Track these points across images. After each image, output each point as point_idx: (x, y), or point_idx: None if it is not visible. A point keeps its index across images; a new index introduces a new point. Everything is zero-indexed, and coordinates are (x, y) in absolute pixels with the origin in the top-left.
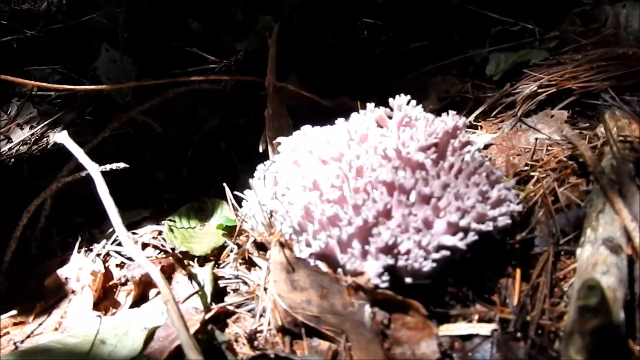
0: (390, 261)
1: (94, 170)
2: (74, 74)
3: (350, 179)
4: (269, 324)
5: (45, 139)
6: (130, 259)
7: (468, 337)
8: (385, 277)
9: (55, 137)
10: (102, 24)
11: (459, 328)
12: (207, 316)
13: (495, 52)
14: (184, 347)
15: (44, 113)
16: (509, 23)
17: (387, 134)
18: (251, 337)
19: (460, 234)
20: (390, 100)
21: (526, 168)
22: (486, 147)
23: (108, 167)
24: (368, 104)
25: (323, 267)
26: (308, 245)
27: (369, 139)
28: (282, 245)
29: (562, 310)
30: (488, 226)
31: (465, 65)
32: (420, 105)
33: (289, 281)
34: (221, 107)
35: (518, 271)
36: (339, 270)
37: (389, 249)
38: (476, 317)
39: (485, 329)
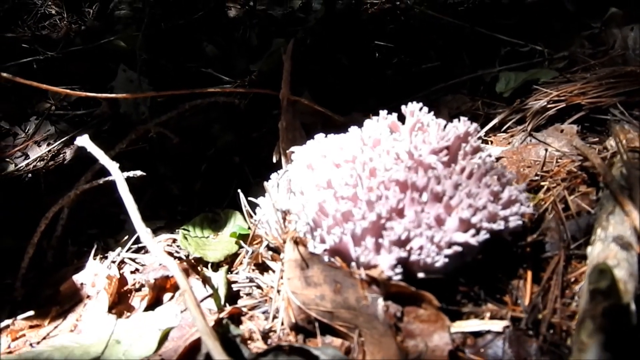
0: (404, 254)
1: (114, 169)
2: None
3: (363, 179)
4: (282, 323)
5: (61, 155)
6: (144, 265)
7: (480, 334)
8: (399, 270)
9: (77, 140)
10: (119, 46)
11: (471, 325)
12: (222, 315)
13: (505, 71)
14: (201, 334)
15: (61, 131)
16: (519, 45)
17: (400, 138)
18: (265, 335)
19: (472, 231)
20: (403, 107)
21: (536, 178)
22: (497, 159)
23: (126, 174)
24: (381, 112)
25: (337, 262)
26: (322, 241)
27: (382, 143)
28: (297, 242)
29: (573, 309)
30: (499, 225)
31: (476, 84)
32: (432, 112)
33: (303, 277)
34: (235, 123)
35: (529, 273)
36: (353, 264)
37: (402, 243)
38: (488, 314)
39: (498, 325)
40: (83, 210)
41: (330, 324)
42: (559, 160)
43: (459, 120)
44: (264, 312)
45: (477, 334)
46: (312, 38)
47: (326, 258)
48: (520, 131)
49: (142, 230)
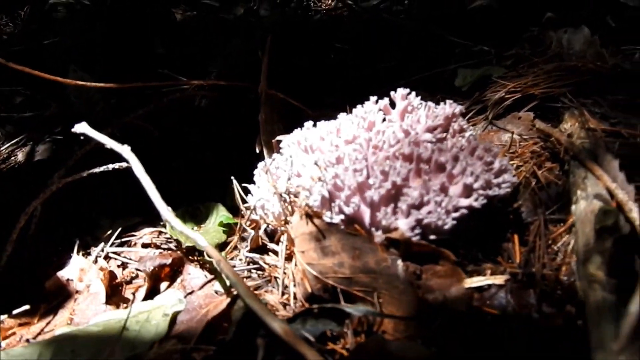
0: (420, 216)
1: (125, 151)
2: (40, 95)
3: (369, 155)
4: (294, 297)
5: (13, 158)
6: (130, 259)
7: (485, 288)
8: (418, 230)
9: (75, 127)
10: (67, 46)
11: (476, 281)
12: (235, 292)
13: (461, 68)
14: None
15: (9, 134)
16: (469, 45)
17: (393, 119)
18: (283, 305)
19: (475, 195)
20: (392, 93)
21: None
22: None
23: (111, 166)
24: (371, 97)
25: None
26: (341, 211)
27: (377, 124)
28: (310, 216)
29: (559, 263)
30: (495, 191)
31: (434, 81)
32: (420, 97)
33: (319, 248)
34: (203, 120)
35: (516, 236)
36: (372, 229)
37: (417, 208)
38: (489, 272)
39: (499, 279)
40: (54, 210)
41: (348, 290)
42: (521, 143)
43: (445, 102)
44: (268, 291)
45: (481, 289)
46: (272, 40)
47: (342, 228)
48: (482, 120)
49: (162, 207)
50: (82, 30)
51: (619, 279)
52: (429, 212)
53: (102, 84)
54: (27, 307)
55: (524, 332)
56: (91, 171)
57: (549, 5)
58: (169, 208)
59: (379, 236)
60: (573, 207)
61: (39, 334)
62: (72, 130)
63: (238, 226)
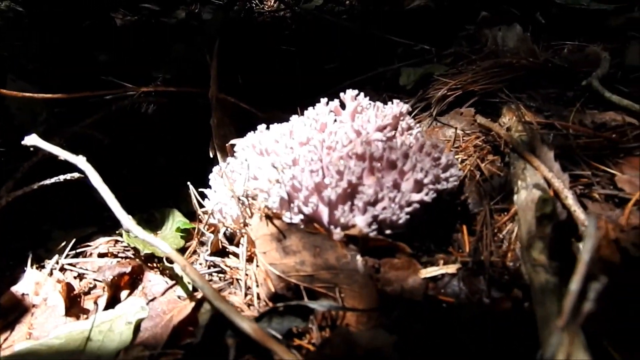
0: (376, 212)
1: (81, 162)
2: None
3: (324, 156)
4: (258, 297)
5: None
6: (87, 269)
7: (439, 278)
8: (374, 226)
9: (25, 140)
10: (2, 56)
11: (430, 271)
12: (199, 296)
13: (404, 67)
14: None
15: None
16: (410, 45)
17: (344, 120)
18: (248, 305)
19: (425, 190)
20: (342, 94)
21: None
22: None
23: (62, 177)
24: (321, 99)
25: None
26: (300, 211)
27: (329, 126)
28: (269, 217)
29: (505, 250)
30: (443, 185)
31: (378, 80)
32: (368, 97)
33: (280, 248)
34: (152, 126)
35: (464, 227)
36: (331, 227)
37: (372, 204)
38: (442, 262)
39: (451, 269)
40: (3, 223)
41: (311, 287)
42: (465, 138)
43: (392, 102)
44: (232, 293)
45: (436, 279)
46: (218, 43)
47: (302, 227)
48: (427, 117)
49: (123, 216)
50: (17, 38)
51: (560, 262)
52: (384, 208)
53: (46, 95)
54: None
55: (475, 317)
56: (42, 183)
57: (483, 4)
58: (130, 216)
59: (337, 233)
60: (515, 196)
61: None
62: (22, 142)
63: (196, 230)
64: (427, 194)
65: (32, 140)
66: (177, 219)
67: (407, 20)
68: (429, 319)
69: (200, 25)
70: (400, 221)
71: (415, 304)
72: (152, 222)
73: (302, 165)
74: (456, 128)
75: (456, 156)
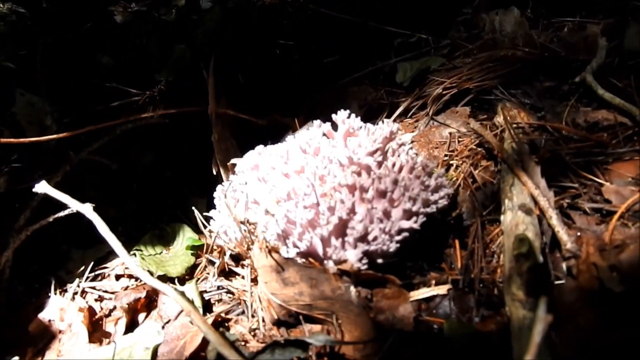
0: (366, 247)
1: (88, 211)
2: None
3: (316, 186)
4: (263, 320)
5: None
6: (106, 291)
7: (431, 299)
8: (365, 261)
9: (36, 187)
10: (7, 67)
11: (422, 293)
12: (209, 321)
13: (400, 62)
14: (219, 347)
15: None
16: (407, 35)
17: (335, 144)
18: (253, 333)
19: (414, 218)
20: (333, 115)
21: (445, 158)
22: (410, 143)
23: (76, 208)
24: (314, 121)
25: (309, 263)
26: (295, 246)
27: (322, 150)
28: (269, 250)
29: (494, 265)
30: (432, 209)
31: (376, 75)
32: (359, 118)
33: (280, 280)
34: (159, 142)
35: (456, 241)
36: (325, 262)
37: (363, 238)
38: (433, 282)
39: (442, 289)
40: (24, 247)
41: (310, 314)
42: (460, 139)
43: (383, 122)
44: (239, 314)
45: (428, 299)
46: (216, 42)
47: (299, 260)
48: (424, 116)
49: (130, 262)
50: (22, 45)
51: (537, 298)
52: (374, 239)
53: (51, 136)
54: (16, 358)
55: (464, 341)
56: (57, 215)
57: None
58: (138, 263)
59: (331, 268)
60: (502, 217)
61: None
62: (33, 190)
63: (205, 248)
64: (416, 222)
65: (41, 187)
66: (187, 235)
67: (405, 6)
68: (420, 346)
69: (199, 19)
70: (391, 250)
71: (406, 333)
72: (164, 238)
73: (296, 198)
74: (450, 134)
75: (451, 161)
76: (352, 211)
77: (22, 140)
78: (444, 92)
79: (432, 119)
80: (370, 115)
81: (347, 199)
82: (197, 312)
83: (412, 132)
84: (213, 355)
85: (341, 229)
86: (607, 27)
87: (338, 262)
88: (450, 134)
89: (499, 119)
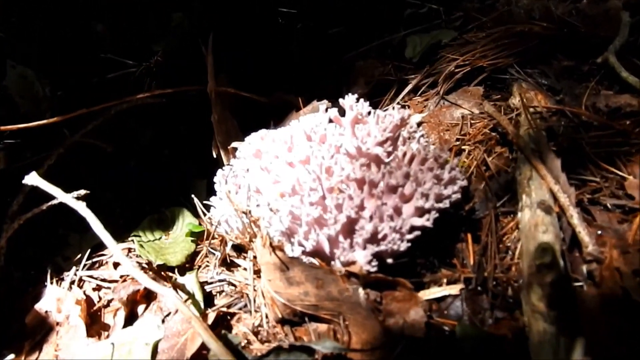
0: (376, 248)
1: (81, 208)
2: None
3: (323, 180)
4: (266, 317)
5: None
6: (104, 280)
7: (442, 299)
8: (375, 263)
9: (25, 179)
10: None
11: (433, 292)
12: (210, 322)
13: (410, 35)
14: (219, 356)
15: None
16: (417, 5)
17: (343, 132)
18: (256, 332)
19: (427, 215)
20: (341, 100)
21: (457, 143)
22: (418, 125)
23: (70, 195)
24: (320, 105)
25: (315, 262)
26: (300, 245)
27: (328, 138)
28: (273, 247)
29: (509, 262)
30: (445, 204)
31: (384, 49)
32: (368, 103)
33: (284, 278)
34: (159, 120)
35: (469, 235)
36: (332, 263)
37: (372, 238)
38: (445, 280)
39: (454, 289)
40: (19, 231)
41: (316, 314)
42: (472, 122)
43: (394, 108)
44: (241, 308)
45: (439, 300)
46: (215, 10)
47: (304, 259)
48: (434, 95)
49: (126, 262)
50: (14, 13)
51: (559, 310)
52: (384, 239)
53: (47, 120)
54: (12, 356)
55: (476, 346)
56: (51, 203)
57: None
58: (136, 265)
59: (339, 270)
60: (519, 214)
61: None
62: (23, 181)
63: (205, 235)
64: (428, 220)
65: (32, 179)
66: (187, 220)
67: None
68: (432, 354)
69: None
70: (402, 249)
71: (417, 339)
72: (163, 223)
73: (301, 192)
74: (461, 112)
75: (462, 146)
76: (361, 208)
77: (11, 127)
78: (456, 70)
79: (443, 98)
80: (377, 93)
81: (355, 195)
82: (197, 319)
83: (422, 112)
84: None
85: (349, 228)
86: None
87: (346, 264)
88: (462, 115)
89: (515, 101)
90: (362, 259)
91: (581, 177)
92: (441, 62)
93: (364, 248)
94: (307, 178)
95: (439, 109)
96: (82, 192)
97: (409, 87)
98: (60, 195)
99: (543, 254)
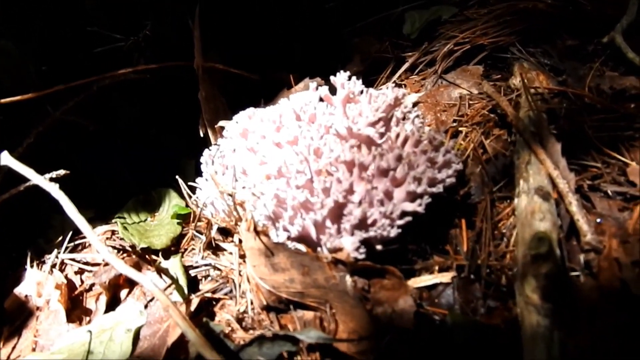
0: (365, 235)
1: (54, 190)
2: None
3: (311, 162)
4: (251, 303)
5: None
6: (86, 263)
7: (433, 287)
8: (362, 250)
9: None
10: None
11: (424, 280)
12: (193, 308)
13: (409, 11)
14: (197, 347)
15: None
16: None
17: (334, 111)
18: (239, 319)
19: (419, 200)
20: (332, 78)
21: (454, 124)
22: (414, 105)
23: (48, 175)
24: (311, 83)
25: (302, 248)
26: (286, 230)
27: (318, 117)
28: (257, 232)
29: (504, 250)
30: (439, 188)
31: (381, 25)
32: (361, 81)
33: (269, 265)
34: (140, 98)
35: (463, 221)
36: (318, 249)
37: (361, 223)
38: (436, 268)
39: (446, 277)
40: None
41: (302, 302)
42: (471, 103)
43: (387, 88)
44: (227, 294)
45: (431, 287)
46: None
47: (290, 244)
48: (432, 73)
49: (101, 247)
50: None
51: (554, 303)
52: (373, 224)
53: (20, 97)
54: None
55: (468, 337)
56: (28, 184)
57: None
58: (113, 253)
59: (325, 256)
60: (516, 200)
61: None
62: None
63: (191, 217)
64: (420, 205)
65: (4, 159)
66: (173, 202)
67: None
68: (420, 345)
69: None
70: (392, 235)
71: (406, 329)
72: (149, 204)
73: (288, 175)
74: (459, 92)
75: (460, 127)
76: (349, 192)
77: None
78: (456, 48)
79: (440, 77)
80: (373, 70)
81: (344, 178)
82: (175, 309)
83: (418, 91)
84: (194, 350)
85: (337, 212)
86: None
87: (333, 250)
88: (460, 95)
89: (515, 81)
90: (349, 245)
91: (582, 162)
92: (440, 40)
93: (352, 234)
94: (294, 160)
95: (437, 89)
96: (62, 172)
97: (406, 65)
98: (33, 177)
99: (539, 244)
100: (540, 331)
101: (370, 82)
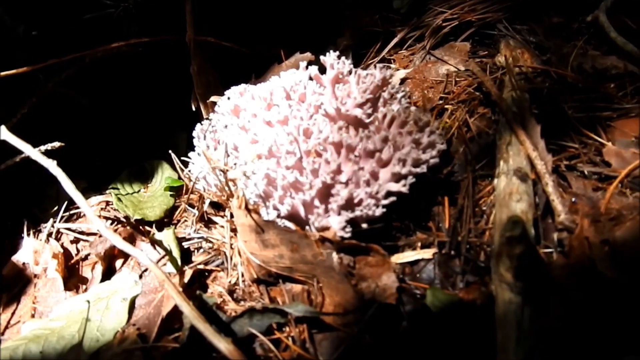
0: (351, 215)
1: (52, 166)
2: None
3: (300, 142)
4: (242, 275)
5: None
6: (82, 232)
7: (415, 262)
8: (349, 229)
9: None
10: None
11: (407, 256)
12: (186, 279)
13: None
14: (192, 320)
15: None
16: None
17: (323, 91)
18: (231, 291)
19: (403, 180)
20: (322, 57)
21: (440, 102)
22: (402, 81)
23: (43, 148)
24: (301, 62)
25: (291, 226)
26: (275, 209)
27: (307, 97)
28: (249, 210)
29: (483, 227)
30: (423, 169)
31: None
32: (350, 61)
33: (259, 241)
34: (133, 71)
35: (446, 198)
36: (307, 227)
37: (348, 204)
38: (419, 244)
39: (428, 253)
40: None
41: (291, 276)
42: (457, 80)
43: (375, 67)
44: (218, 266)
45: (413, 263)
46: None
47: (279, 221)
48: (420, 49)
49: (96, 220)
50: None
51: (526, 282)
52: (359, 204)
53: (15, 70)
54: None
55: (446, 310)
56: (24, 155)
57: None
58: (109, 228)
59: (313, 235)
60: (495, 180)
61: (6, 327)
62: None
63: (184, 190)
64: (404, 185)
65: (3, 134)
66: (166, 173)
67: None
68: (402, 316)
69: None
70: (377, 214)
71: (388, 304)
72: (142, 175)
73: (278, 155)
74: (446, 68)
75: (446, 105)
76: (337, 173)
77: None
78: (444, 24)
79: (429, 53)
80: (363, 45)
81: (332, 159)
82: (170, 283)
83: (407, 67)
84: (188, 321)
85: (326, 192)
86: None
87: (320, 229)
88: (447, 72)
89: (501, 59)
90: (336, 224)
91: (561, 142)
92: (429, 15)
93: (339, 214)
94: (284, 140)
95: (425, 65)
96: (57, 144)
97: (395, 40)
98: (30, 151)
99: (513, 227)
100: (512, 308)
101: (360, 55)
